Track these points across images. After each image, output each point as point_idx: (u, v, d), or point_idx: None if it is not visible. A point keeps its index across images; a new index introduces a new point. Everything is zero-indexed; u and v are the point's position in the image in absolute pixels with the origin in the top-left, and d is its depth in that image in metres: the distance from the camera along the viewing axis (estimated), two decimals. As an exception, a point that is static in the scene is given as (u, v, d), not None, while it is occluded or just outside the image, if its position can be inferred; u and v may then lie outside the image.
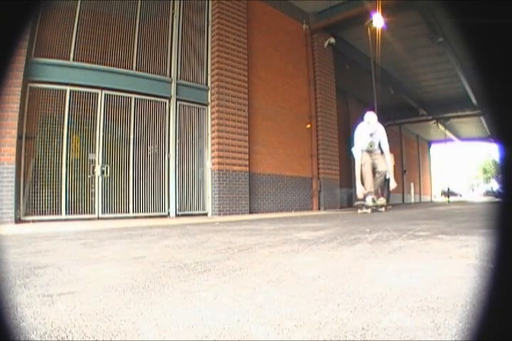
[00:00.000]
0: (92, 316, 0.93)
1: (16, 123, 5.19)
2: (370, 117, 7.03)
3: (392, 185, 7.24)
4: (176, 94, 7.17)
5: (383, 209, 7.19)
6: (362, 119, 7.30)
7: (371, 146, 7.06)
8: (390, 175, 7.31)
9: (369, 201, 6.91)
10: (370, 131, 6.97)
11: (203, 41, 7.83)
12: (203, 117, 7.64)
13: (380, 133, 7.16)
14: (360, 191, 7.07)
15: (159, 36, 7.14)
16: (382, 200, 7.24)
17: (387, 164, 7.26)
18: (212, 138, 7.55)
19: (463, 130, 23.36)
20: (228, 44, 7.89)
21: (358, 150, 7.18)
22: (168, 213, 6.89)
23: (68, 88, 5.93)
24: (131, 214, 6.40)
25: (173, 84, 7.16)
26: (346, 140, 13.52)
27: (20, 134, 5.33)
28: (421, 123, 19.66)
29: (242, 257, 1.82)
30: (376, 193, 7.13)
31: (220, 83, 7.66)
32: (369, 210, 6.77)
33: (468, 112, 16.86)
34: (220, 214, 7.22)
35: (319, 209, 9.65)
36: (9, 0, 0.65)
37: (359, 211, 6.89)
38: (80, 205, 5.93)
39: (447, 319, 0.84)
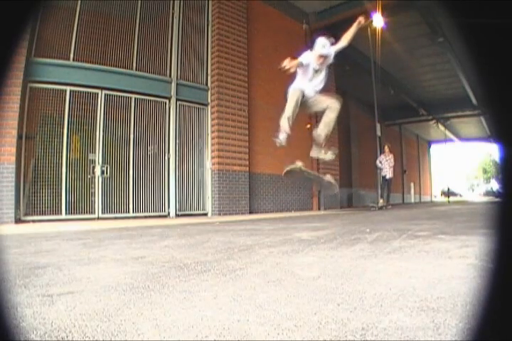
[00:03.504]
0: (92, 316, 0.93)
1: (16, 123, 5.19)
2: (326, 41, 5.20)
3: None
4: (176, 94, 7.17)
5: (333, 186, 5.05)
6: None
7: (316, 72, 5.24)
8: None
9: (282, 137, 4.84)
10: (325, 53, 5.14)
11: (203, 41, 7.83)
12: (203, 117, 7.64)
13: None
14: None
15: (159, 36, 7.14)
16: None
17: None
18: (212, 138, 7.55)
19: (463, 130, 23.37)
20: (228, 44, 7.89)
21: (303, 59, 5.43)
22: (168, 213, 6.89)
23: (68, 88, 5.93)
24: (131, 214, 6.40)
25: (173, 84, 7.16)
26: (346, 140, 13.56)
27: (20, 134, 5.33)
28: (421, 123, 19.67)
29: (242, 257, 1.82)
30: (323, 141, 5.12)
31: (220, 83, 7.66)
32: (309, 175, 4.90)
33: (468, 112, 16.88)
34: (220, 214, 7.22)
35: (319, 209, 9.65)
36: (9, 0, 0.65)
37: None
38: (80, 205, 5.93)
39: (447, 319, 0.84)
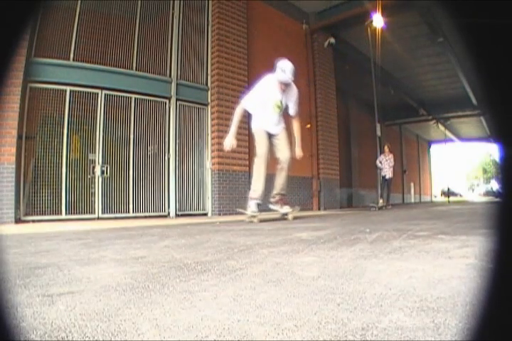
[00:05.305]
0: (92, 316, 0.93)
1: (16, 123, 5.20)
2: (287, 65, 4.79)
3: (298, 153, 5.09)
4: (176, 94, 7.18)
5: (291, 216, 5.03)
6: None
7: (278, 108, 4.96)
8: (297, 145, 5.14)
9: (253, 207, 4.76)
10: (284, 80, 4.77)
11: (203, 41, 7.84)
12: (203, 117, 7.64)
13: (294, 92, 5.04)
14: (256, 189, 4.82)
15: (159, 36, 7.15)
16: (287, 208, 5.01)
17: (297, 141, 5.13)
18: (212, 138, 7.55)
19: (463, 130, 23.39)
20: (228, 44, 7.89)
21: (251, 105, 4.96)
22: (168, 213, 6.89)
23: (68, 88, 5.94)
24: (131, 214, 6.41)
25: (173, 84, 7.16)
26: (346, 140, 13.57)
27: (20, 134, 5.33)
28: (421, 123, 19.69)
29: (242, 257, 1.82)
30: (279, 198, 5.01)
31: (220, 83, 7.66)
32: (255, 219, 4.68)
33: (468, 112, 16.89)
34: (220, 214, 7.22)
35: (319, 209, 9.65)
36: (9, 0, 0.65)
37: (246, 219, 4.83)
38: (80, 205, 5.94)
39: (447, 319, 0.84)
